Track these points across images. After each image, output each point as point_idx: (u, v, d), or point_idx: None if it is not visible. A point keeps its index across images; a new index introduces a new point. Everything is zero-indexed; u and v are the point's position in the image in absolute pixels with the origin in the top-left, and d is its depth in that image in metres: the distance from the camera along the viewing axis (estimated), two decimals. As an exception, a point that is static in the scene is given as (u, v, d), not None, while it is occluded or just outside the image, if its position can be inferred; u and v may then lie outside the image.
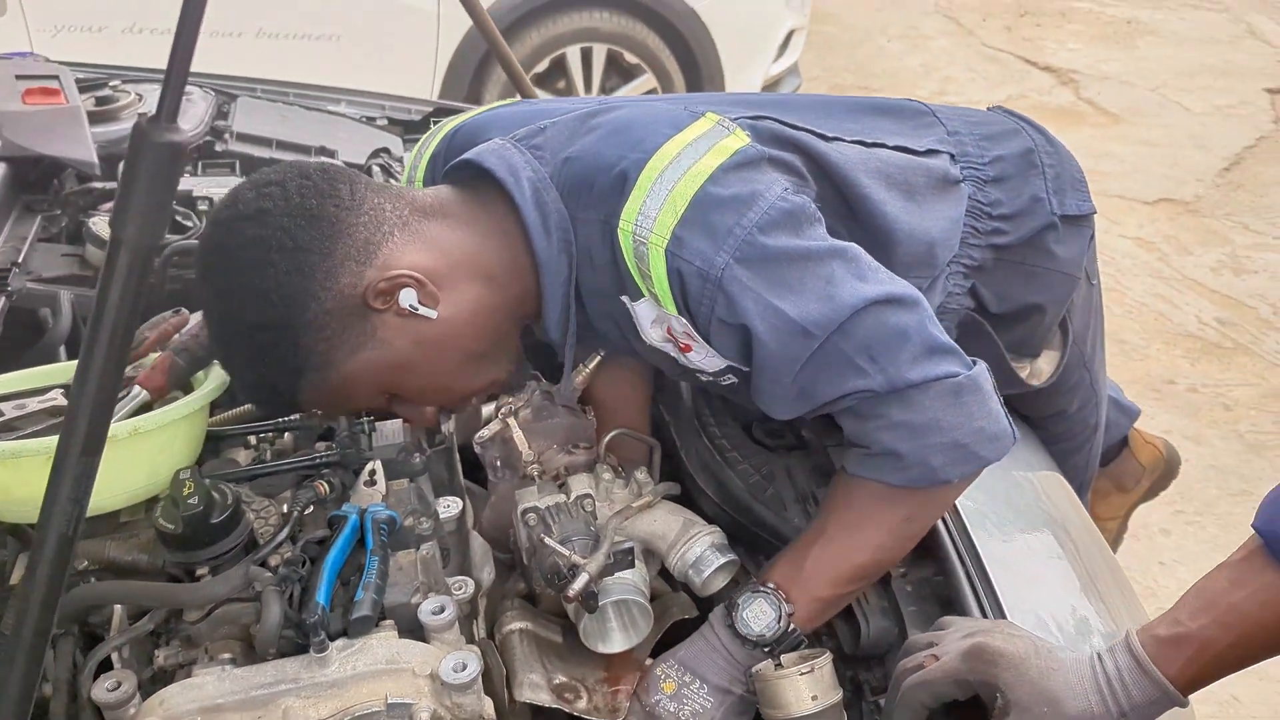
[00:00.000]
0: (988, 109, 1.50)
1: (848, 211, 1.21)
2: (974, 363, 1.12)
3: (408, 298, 1.08)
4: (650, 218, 1.07)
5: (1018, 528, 1.40)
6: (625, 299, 1.15)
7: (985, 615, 1.15)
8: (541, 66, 4.14)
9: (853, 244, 1.12)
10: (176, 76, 0.54)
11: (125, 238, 0.56)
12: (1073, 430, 1.65)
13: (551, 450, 1.34)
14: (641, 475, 1.27)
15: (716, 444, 1.42)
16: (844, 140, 1.25)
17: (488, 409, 1.54)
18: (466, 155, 1.19)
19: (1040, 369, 1.49)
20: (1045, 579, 1.32)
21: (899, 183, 1.26)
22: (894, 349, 1.07)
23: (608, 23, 4.13)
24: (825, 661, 1.09)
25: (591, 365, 1.47)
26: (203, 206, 1.71)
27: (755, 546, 1.34)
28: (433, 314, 1.10)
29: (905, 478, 1.12)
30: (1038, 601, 1.24)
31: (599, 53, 4.18)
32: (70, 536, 0.64)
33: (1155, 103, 5.58)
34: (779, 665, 1.10)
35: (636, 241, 1.08)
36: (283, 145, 1.97)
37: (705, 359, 1.16)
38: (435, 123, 2.01)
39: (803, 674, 1.06)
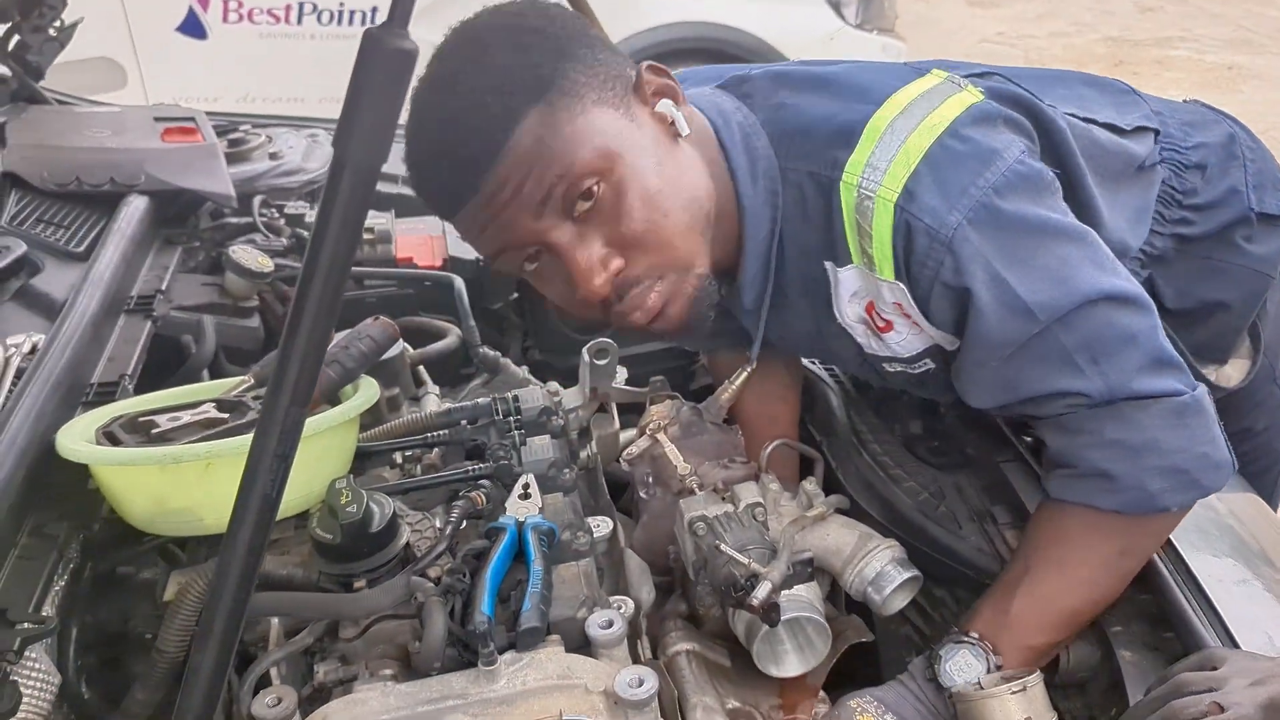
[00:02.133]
0: (1184, 100, 1.41)
1: (1066, 187, 1.10)
2: (1197, 384, 1.02)
3: (667, 107, 1.02)
4: (880, 170, 0.98)
5: (1204, 552, 1.28)
6: (829, 265, 1.06)
7: (1213, 638, 1.03)
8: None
9: (1089, 228, 1.02)
10: (410, -21, 0.50)
11: (349, 157, 0.52)
12: (1258, 452, 1.52)
13: (706, 465, 1.27)
14: (810, 486, 1.19)
15: (879, 460, 1.33)
16: (1061, 110, 1.16)
17: (627, 434, 1.49)
18: None
19: (1228, 375, 1.38)
20: (1236, 602, 1.19)
21: (1101, 167, 1.17)
22: (1120, 353, 0.98)
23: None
24: (1037, 680, 0.98)
25: (739, 381, 1.40)
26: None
27: (928, 571, 1.24)
28: (685, 131, 1.03)
29: (1117, 501, 1.01)
30: (1255, 622, 1.11)
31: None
32: (274, 498, 0.59)
33: (1269, 144, 5.39)
34: (979, 686, 0.99)
35: (861, 196, 0.99)
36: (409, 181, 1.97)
37: (905, 340, 1.08)
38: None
39: (1014, 693, 0.96)
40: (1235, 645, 1.02)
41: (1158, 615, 1.09)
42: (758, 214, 1.06)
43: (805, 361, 1.54)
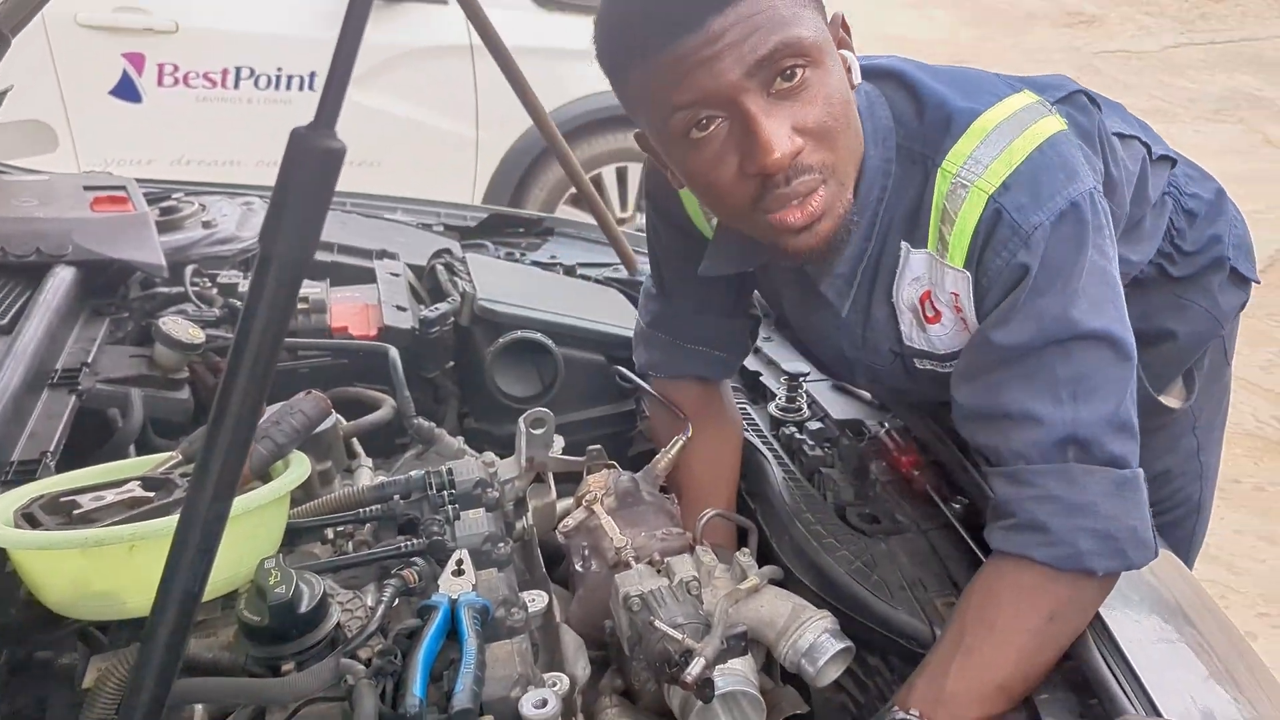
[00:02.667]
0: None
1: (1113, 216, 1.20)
2: (1138, 466, 1.09)
3: (851, 57, 1.08)
4: (982, 164, 1.07)
5: (1125, 614, 1.31)
6: (905, 244, 1.13)
7: (1133, 704, 1.05)
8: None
9: (1119, 281, 1.12)
10: (338, 81, 0.52)
11: (275, 253, 0.52)
12: (1174, 500, 1.59)
13: (642, 536, 1.28)
14: (744, 558, 1.20)
15: (812, 530, 1.34)
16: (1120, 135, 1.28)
17: (564, 503, 1.49)
18: None
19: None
20: (1156, 664, 1.22)
21: (1132, 182, 1.30)
22: (1098, 400, 1.05)
23: (643, 143, 4.20)
24: None
25: (675, 450, 1.43)
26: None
27: (862, 640, 1.25)
28: (858, 80, 1.08)
29: (1049, 555, 1.06)
30: (1177, 685, 1.14)
31: (634, 172, 4.25)
32: (196, 593, 0.59)
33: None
34: None
35: (956, 184, 1.07)
36: (344, 249, 1.97)
37: (947, 335, 1.15)
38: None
39: None
40: (1156, 712, 1.04)
41: (1083, 682, 1.11)
42: (873, 177, 1.12)
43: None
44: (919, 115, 1.12)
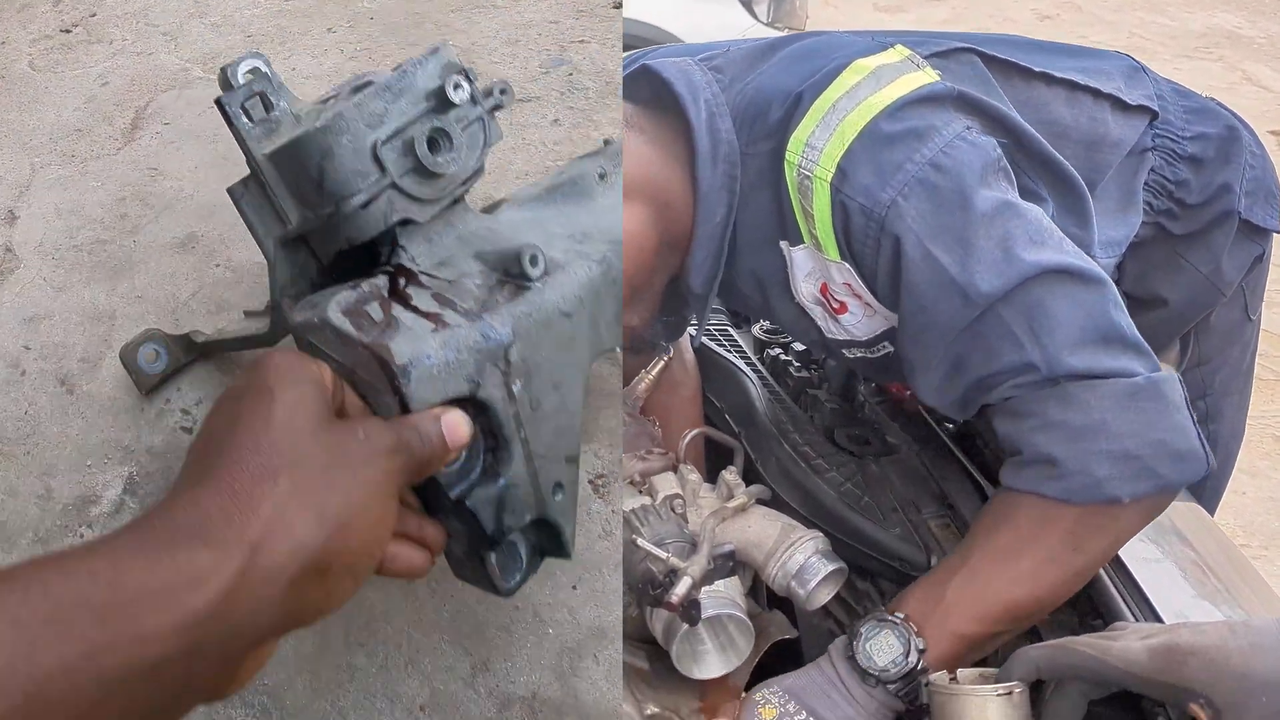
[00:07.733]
0: (1205, 96, 1.37)
1: (1040, 164, 1.07)
2: (1159, 367, 0.97)
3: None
4: (817, 149, 0.97)
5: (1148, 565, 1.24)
6: (784, 244, 1.05)
7: (1139, 619, 1.01)
8: None
9: (1034, 206, 0.98)
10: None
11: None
12: None
13: (623, 457, 1.21)
14: (730, 476, 1.14)
15: (800, 451, 1.29)
16: (1052, 75, 1.14)
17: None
18: (646, 62, 1.09)
19: None
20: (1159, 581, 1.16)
21: (1088, 149, 1.16)
22: (1058, 325, 0.93)
23: None
24: (1024, 690, 0.88)
25: (655, 370, 1.36)
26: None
27: (852, 563, 1.19)
28: None
29: (1062, 489, 0.95)
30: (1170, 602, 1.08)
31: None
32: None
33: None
34: (954, 679, 0.93)
35: (801, 175, 0.97)
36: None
37: (860, 322, 1.05)
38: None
39: (999, 695, 0.86)
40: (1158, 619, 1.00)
41: (1084, 596, 1.06)
42: (713, 198, 1.04)
43: (721, 350, 1.49)
44: (768, 109, 1.03)
